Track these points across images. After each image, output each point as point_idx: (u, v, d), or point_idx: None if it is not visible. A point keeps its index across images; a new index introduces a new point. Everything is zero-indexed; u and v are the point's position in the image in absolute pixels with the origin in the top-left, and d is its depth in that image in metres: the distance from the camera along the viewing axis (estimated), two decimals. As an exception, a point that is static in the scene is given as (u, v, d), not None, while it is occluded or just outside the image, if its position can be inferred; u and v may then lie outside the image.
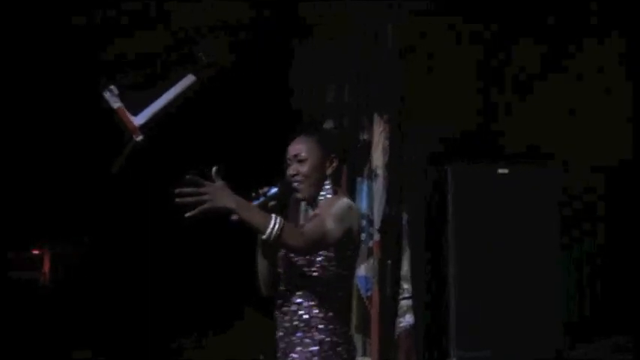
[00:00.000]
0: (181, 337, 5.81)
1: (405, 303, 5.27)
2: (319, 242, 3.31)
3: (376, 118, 5.40)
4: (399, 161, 5.39)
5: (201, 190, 3.14)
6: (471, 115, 5.59)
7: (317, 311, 3.39)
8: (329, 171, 3.50)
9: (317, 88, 5.64)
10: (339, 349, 3.38)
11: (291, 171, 3.48)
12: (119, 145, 4.80)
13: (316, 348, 3.36)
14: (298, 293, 3.42)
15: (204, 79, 4.96)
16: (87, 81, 4.94)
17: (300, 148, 3.49)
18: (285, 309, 3.45)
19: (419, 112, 5.45)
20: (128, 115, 4.81)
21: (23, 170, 5.50)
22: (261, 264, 3.54)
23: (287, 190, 3.44)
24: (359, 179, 5.38)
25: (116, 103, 4.81)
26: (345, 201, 3.45)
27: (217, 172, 3.18)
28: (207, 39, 5.07)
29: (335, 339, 3.38)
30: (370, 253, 5.27)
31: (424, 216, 5.45)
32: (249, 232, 3.29)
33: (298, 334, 3.38)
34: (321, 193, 3.51)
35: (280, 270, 3.53)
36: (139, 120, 4.83)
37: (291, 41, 5.65)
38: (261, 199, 3.37)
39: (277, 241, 3.19)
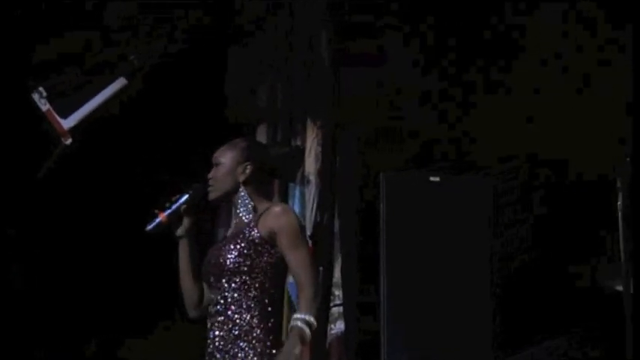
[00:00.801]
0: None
1: (336, 310, 5.25)
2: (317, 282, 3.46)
3: (309, 123, 5.38)
4: (331, 168, 5.38)
5: None
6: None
7: (257, 321, 3.41)
8: (241, 177, 3.55)
9: (250, 94, 5.61)
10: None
11: (209, 175, 3.60)
12: (47, 149, 4.70)
13: (256, 358, 3.37)
14: (233, 300, 3.44)
15: (135, 82, 4.88)
16: (14, 82, 4.82)
17: (218, 153, 3.60)
18: (220, 319, 3.44)
19: (352, 118, 5.45)
20: (57, 117, 4.72)
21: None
22: (186, 282, 3.61)
23: (198, 194, 3.57)
24: (291, 185, 5.36)
25: (44, 106, 4.71)
26: (289, 211, 3.56)
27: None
28: (139, 40, 4.98)
29: (274, 351, 3.39)
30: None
31: (356, 223, 5.43)
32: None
33: (240, 344, 3.39)
34: (239, 201, 3.55)
35: (211, 278, 3.53)
36: (68, 123, 4.74)
37: (226, 45, 5.59)
38: (173, 206, 3.53)
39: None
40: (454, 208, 5.27)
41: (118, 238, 4.97)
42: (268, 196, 3.64)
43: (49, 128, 4.70)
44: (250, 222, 3.52)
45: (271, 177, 3.69)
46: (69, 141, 4.72)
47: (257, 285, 3.44)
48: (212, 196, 3.58)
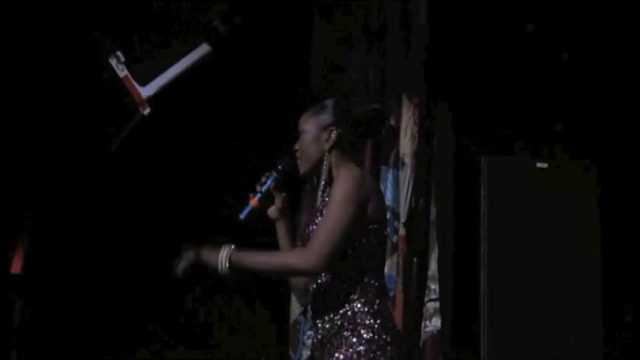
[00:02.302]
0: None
1: (431, 305, 4.76)
2: (329, 253, 2.94)
3: (405, 100, 4.91)
4: (428, 150, 4.92)
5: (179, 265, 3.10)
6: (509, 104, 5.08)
7: (360, 305, 3.00)
8: (327, 145, 3.14)
9: (338, 69, 5.19)
10: (389, 348, 2.97)
11: (295, 146, 3.21)
12: (120, 118, 4.30)
13: (362, 347, 2.95)
14: (327, 284, 3.05)
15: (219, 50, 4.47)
16: (84, 42, 4.40)
17: (302, 119, 3.21)
18: (318, 306, 3.05)
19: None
20: (135, 85, 4.31)
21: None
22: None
23: (286, 169, 3.21)
24: (384, 168, 4.87)
25: (122, 72, 4.32)
26: (346, 174, 3.05)
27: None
28: (221, 3, 4.54)
29: (384, 336, 2.97)
30: (394, 249, 4.76)
31: (454, 211, 4.95)
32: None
33: (344, 333, 2.99)
34: (322, 172, 3.15)
35: None
36: (146, 91, 4.34)
37: (311, 15, 5.17)
38: (263, 188, 3.19)
39: (232, 271, 3.01)
40: (562, 198, 4.83)
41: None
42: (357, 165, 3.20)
43: (125, 96, 4.29)
44: (325, 190, 3.14)
45: (360, 141, 3.27)
46: (147, 111, 4.32)
47: (352, 264, 3.02)
48: (302, 168, 3.18)
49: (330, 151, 3.13)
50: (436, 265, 4.79)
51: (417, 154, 4.87)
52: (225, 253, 2.99)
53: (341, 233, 2.93)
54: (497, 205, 4.75)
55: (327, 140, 3.14)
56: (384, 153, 4.90)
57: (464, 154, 4.95)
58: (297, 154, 3.18)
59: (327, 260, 2.92)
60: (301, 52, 5.17)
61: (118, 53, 4.30)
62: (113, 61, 4.30)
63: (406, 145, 4.85)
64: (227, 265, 2.98)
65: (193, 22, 4.49)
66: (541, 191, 4.81)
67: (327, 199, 3.06)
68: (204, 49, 4.44)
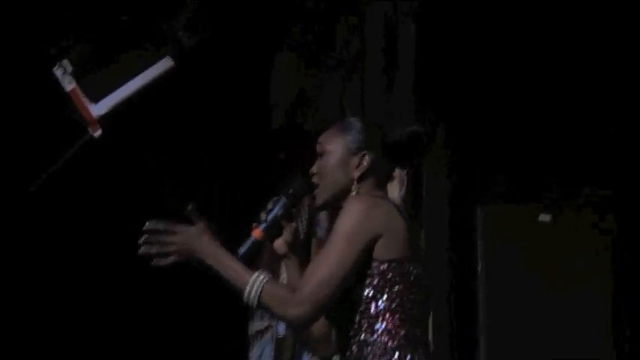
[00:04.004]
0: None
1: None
2: (320, 303, 2.46)
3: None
4: (417, 196, 4.37)
5: (169, 239, 2.52)
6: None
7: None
8: (356, 172, 2.59)
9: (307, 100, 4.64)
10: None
11: (312, 170, 2.64)
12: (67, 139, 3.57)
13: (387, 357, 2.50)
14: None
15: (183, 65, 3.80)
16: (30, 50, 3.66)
17: (322, 138, 2.65)
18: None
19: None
20: (85, 101, 3.59)
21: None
22: None
23: (299, 195, 2.63)
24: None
25: (69, 84, 3.59)
26: (353, 204, 2.53)
27: (193, 210, 2.54)
28: (187, 13, 3.87)
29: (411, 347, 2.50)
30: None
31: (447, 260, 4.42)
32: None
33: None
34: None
35: None
36: (98, 109, 3.62)
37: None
38: (269, 217, 2.58)
39: (260, 306, 2.48)
40: (569, 253, 4.37)
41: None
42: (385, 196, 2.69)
43: (73, 114, 3.56)
44: None
45: (393, 170, 2.74)
46: (98, 132, 3.58)
47: (370, 299, 2.51)
48: (321, 197, 2.60)
49: (359, 180, 2.58)
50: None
51: (405, 201, 4.27)
52: (259, 282, 2.44)
53: (338, 279, 2.45)
54: (497, 263, 4.38)
55: (357, 167, 2.59)
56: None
57: (458, 201, 4.44)
58: (315, 180, 2.61)
59: (316, 311, 2.44)
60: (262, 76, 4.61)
61: (65, 62, 3.58)
62: (58, 72, 3.58)
63: (394, 190, 4.23)
64: (256, 298, 2.44)
65: (156, 32, 3.79)
66: (545, 245, 4.37)
67: None
68: (166, 63, 3.75)
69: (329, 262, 2.46)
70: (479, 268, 4.38)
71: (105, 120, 3.60)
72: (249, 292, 2.42)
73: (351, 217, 2.50)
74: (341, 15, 4.65)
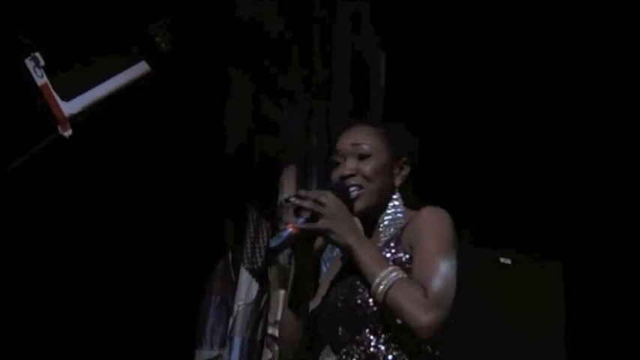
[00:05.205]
0: None
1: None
2: (449, 309, 2.23)
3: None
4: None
5: (324, 200, 2.29)
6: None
7: None
8: (398, 180, 2.43)
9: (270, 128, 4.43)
10: None
11: (346, 170, 2.40)
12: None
13: None
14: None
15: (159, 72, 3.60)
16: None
17: (362, 137, 2.43)
18: None
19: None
20: (56, 98, 3.34)
21: None
22: (295, 329, 2.43)
23: (342, 197, 2.37)
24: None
25: (41, 78, 3.35)
26: (441, 212, 2.36)
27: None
28: (166, 19, 3.68)
29: None
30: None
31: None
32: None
33: None
34: (387, 212, 2.42)
35: (339, 329, 2.36)
36: (70, 108, 3.38)
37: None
38: (303, 220, 2.31)
39: (385, 302, 2.22)
40: (529, 297, 4.26)
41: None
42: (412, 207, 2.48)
43: (43, 109, 3.31)
44: (390, 241, 2.37)
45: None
46: (68, 132, 3.34)
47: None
48: (364, 202, 2.38)
49: (400, 190, 2.43)
50: None
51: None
52: (393, 276, 2.21)
53: (454, 287, 2.27)
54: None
55: (398, 175, 2.43)
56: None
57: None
58: (356, 181, 2.39)
59: (446, 318, 2.20)
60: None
61: (37, 55, 3.34)
62: (30, 64, 3.33)
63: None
64: (385, 294, 2.20)
65: (133, 35, 3.58)
66: (504, 289, 4.25)
67: (391, 250, 2.34)
68: (142, 67, 3.55)
69: (447, 268, 2.25)
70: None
71: (76, 119, 3.37)
72: (379, 284, 2.19)
73: (449, 224, 2.32)
74: (308, 40, 4.55)
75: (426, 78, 4.39)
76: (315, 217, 2.29)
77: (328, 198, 2.28)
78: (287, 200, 2.39)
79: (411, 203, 2.46)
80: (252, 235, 4.22)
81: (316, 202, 2.27)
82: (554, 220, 4.48)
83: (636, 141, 4.42)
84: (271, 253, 2.38)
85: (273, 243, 2.30)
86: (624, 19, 4.10)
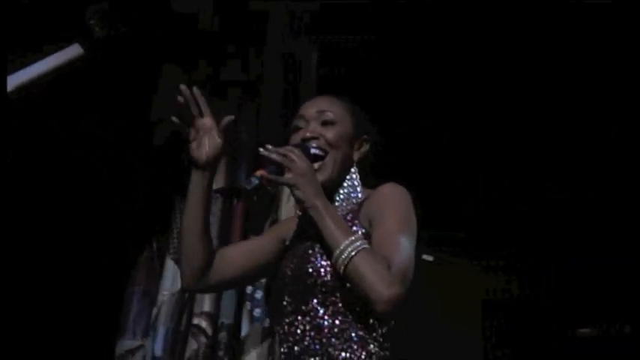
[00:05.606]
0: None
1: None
2: (408, 285, 2.22)
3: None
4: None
5: (293, 156, 2.28)
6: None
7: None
8: (356, 156, 2.45)
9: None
10: None
11: (309, 132, 2.42)
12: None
13: None
14: (333, 329, 2.27)
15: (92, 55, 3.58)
16: None
17: (327, 105, 2.46)
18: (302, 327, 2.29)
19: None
20: (-10, 75, 3.31)
21: None
22: (194, 238, 2.38)
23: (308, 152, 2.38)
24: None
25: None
26: (398, 187, 2.35)
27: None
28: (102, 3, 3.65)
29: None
30: (265, 335, 3.93)
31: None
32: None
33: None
34: (344, 185, 2.43)
35: (285, 298, 2.33)
36: (-1, 87, 3.35)
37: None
38: (252, 185, 2.31)
39: (346, 271, 2.18)
40: (448, 294, 4.33)
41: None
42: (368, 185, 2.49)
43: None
44: (347, 215, 2.36)
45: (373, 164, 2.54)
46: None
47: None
48: (327, 171, 2.39)
49: (357, 165, 2.44)
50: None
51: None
52: (357, 245, 2.18)
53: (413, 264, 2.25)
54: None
55: (357, 150, 2.45)
56: (258, 222, 4.13)
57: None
58: (319, 143, 2.40)
59: (406, 294, 2.17)
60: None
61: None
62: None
63: (289, 211, 4.10)
64: (347, 263, 2.16)
65: (69, 17, 3.56)
66: (425, 286, 4.29)
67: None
68: (75, 49, 3.53)
69: (409, 245, 2.24)
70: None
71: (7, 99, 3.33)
72: (342, 252, 2.16)
73: (410, 202, 2.31)
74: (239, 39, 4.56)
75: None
76: (281, 170, 2.28)
77: (297, 155, 2.28)
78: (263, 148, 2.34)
79: (367, 182, 2.48)
80: (178, 225, 4.22)
81: (285, 156, 2.26)
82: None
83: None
84: (242, 195, 2.29)
85: (245, 185, 2.29)
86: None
